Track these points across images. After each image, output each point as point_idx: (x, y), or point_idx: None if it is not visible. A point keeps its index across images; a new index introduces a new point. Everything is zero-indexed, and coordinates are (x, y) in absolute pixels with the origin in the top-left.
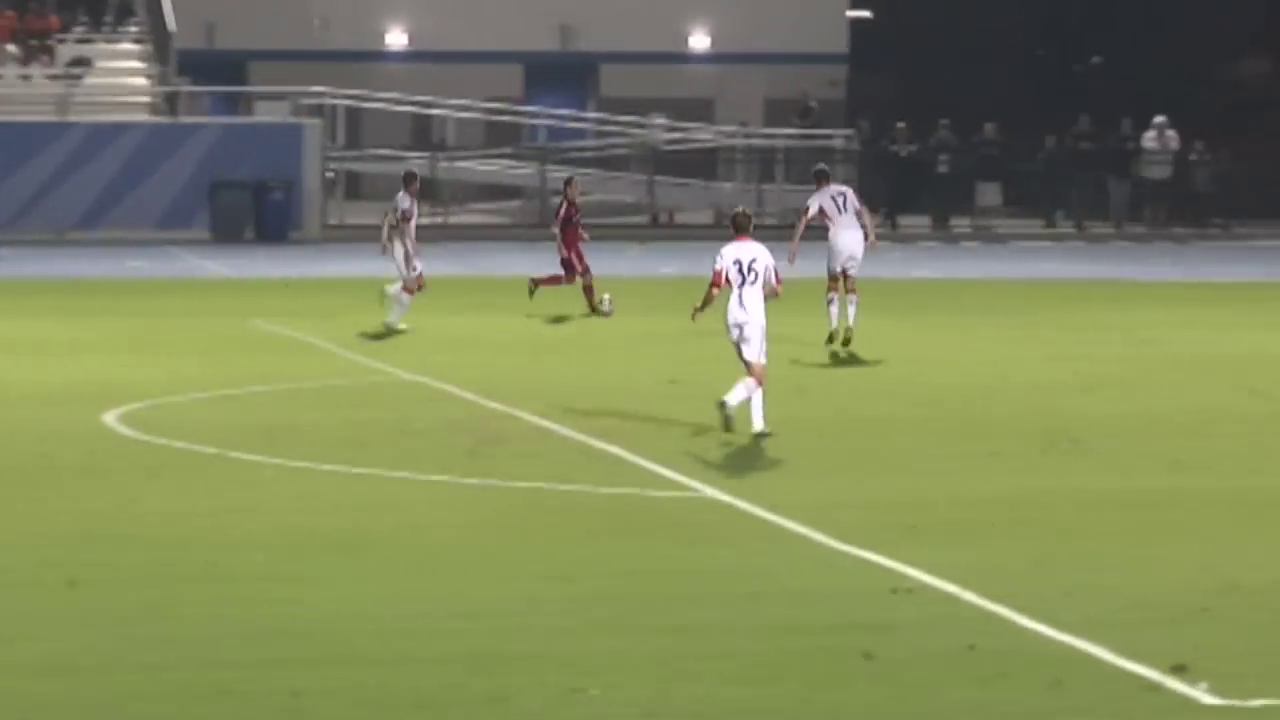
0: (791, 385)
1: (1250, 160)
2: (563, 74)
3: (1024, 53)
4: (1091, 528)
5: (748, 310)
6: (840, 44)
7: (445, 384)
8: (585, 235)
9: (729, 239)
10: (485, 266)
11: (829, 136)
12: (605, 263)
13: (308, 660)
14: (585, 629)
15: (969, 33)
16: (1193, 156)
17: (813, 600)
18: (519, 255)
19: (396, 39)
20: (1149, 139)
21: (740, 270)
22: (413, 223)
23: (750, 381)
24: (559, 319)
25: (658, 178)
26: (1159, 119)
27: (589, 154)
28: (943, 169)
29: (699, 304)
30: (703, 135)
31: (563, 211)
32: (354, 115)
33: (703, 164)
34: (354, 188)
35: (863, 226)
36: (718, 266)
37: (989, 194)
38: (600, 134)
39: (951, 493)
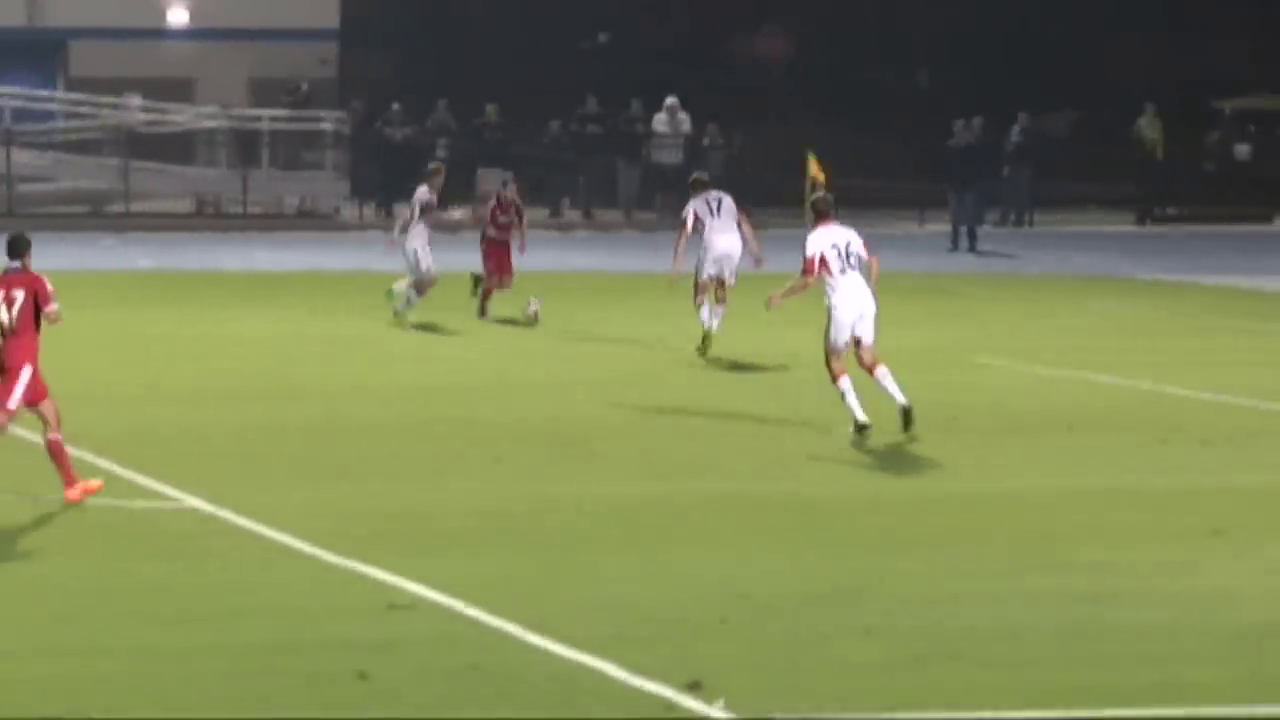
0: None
1: (765, 144)
2: (29, 51)
3: (528, 29)
4: (602, 537)
5: (861, 296)
6: (331, 19)
7: None
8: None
9: (813, 225)
10: None
11: (319, 118)
12: (71, 256)
13: None
14: (50, 652)
15: (469, 7)
16: (705, 141)
17: (303, 617)
18: None
19: None
20: (660, 122)
21: (840, 255)
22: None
23: (881, 369)
24: None
25: (133, 163)
26: (670, 100)
27: (58, 137)
28: (441, 154)
29: (782, 292)
30: (180, 117)
31: (492, 210)
32: None
33: (181, 148)
34: None
35: (741, 234)
36: (809, 254)
37: (490, 181)
38: (71, 115)
39: (453, 501)
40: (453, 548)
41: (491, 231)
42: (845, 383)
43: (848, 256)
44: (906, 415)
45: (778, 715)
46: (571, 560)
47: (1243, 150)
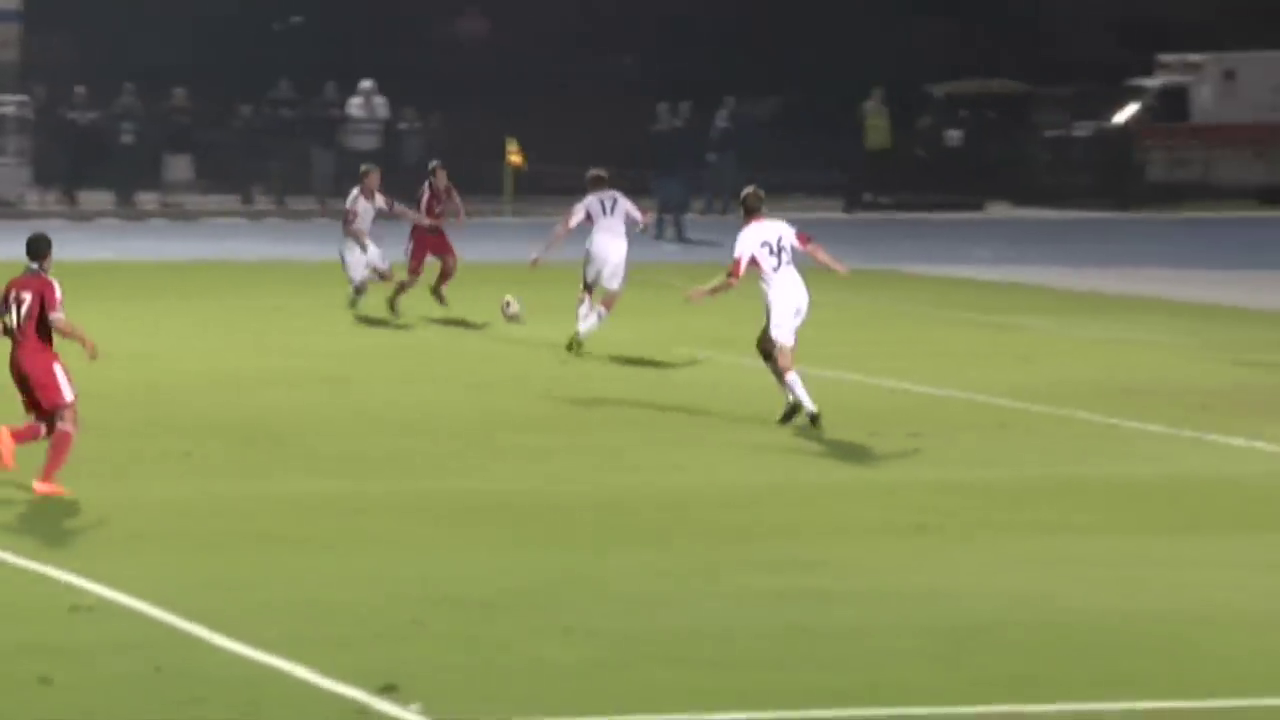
0: None
1: (464, 129)
2: None
3: (220, 9)
4: (295, 536)
5: (797, 291)
6: (12, 0)
7: None
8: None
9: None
10: None
11: (0, 103)
12: None
13: None
14: None
15: None
16: (403, 125)
17: None
18: None
19: None
20: (355, 106)
21: (772, 251)
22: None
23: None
24: None
25: None
26: (365, 84)
27: None
28: (127, 139)
29: (708, 288)
30: None
31: (426, 200)
32: None
33: None
34: None
35: (626, 236)
36: (738, 254)
37: (179, 167)
38: None
39: (139, 499)
40: (139, 547)
41: (427, 222)
42: (793, 376)
43: (779, 252)
44: (790, 414)
45: None
46: (261, 560)
47: (954, 136)
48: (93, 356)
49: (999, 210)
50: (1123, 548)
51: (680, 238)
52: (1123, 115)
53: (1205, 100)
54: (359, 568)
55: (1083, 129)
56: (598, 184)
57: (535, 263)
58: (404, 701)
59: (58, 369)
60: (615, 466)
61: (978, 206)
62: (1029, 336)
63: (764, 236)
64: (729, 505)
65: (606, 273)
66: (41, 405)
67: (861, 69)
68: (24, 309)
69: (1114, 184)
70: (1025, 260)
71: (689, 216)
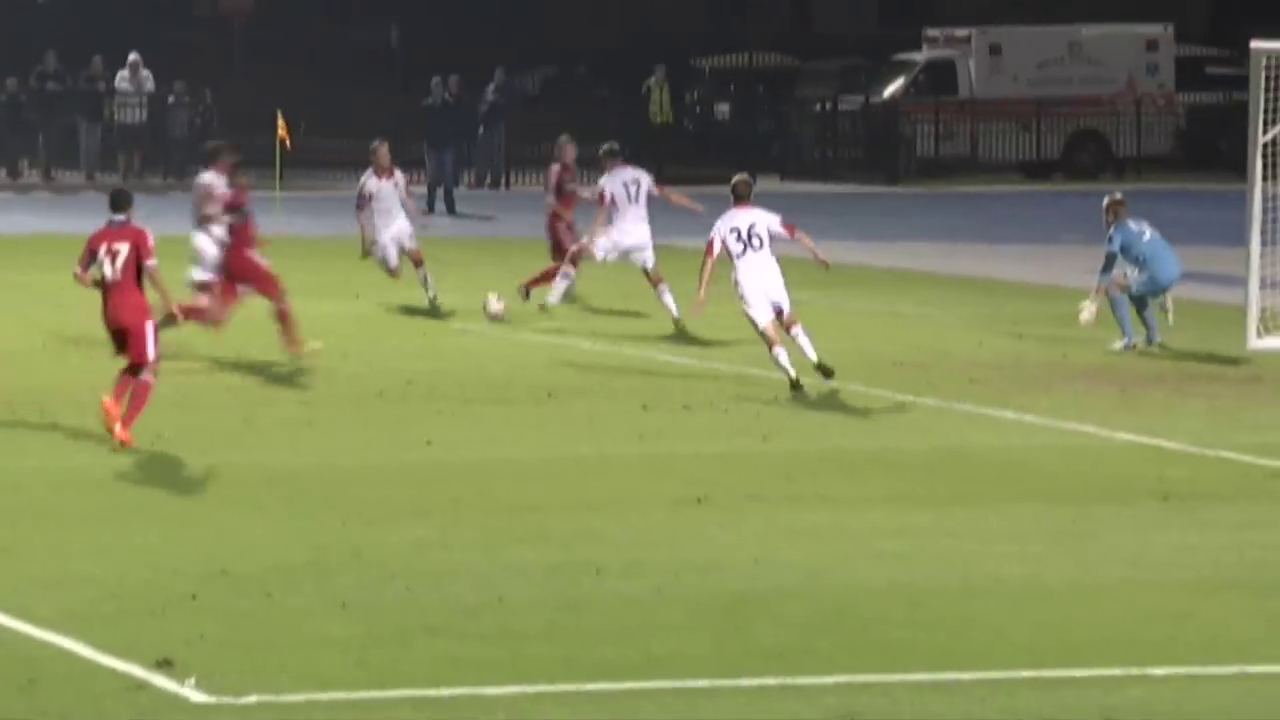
0: None
1: (233, 103)
2: None
3: None
4: (68, 511)
5: (763, 273)
6: None
7: None
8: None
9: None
10: None
11: None
12: None
13: None
14: None
15: None
16: (171, 99)
17: None
18: None
19: None
20: (122, 79)
21: (740, 238)
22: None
23: (797, 328)
24: None
25: None
26: (133, 57)
27: None
28: None
29: (699, 287)
30: None
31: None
32: None
33: None
34: None
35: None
36: (710, 239)
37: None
38: None
39: None
40: None
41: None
42: (778, 350)
43: (749, 239)
44: (823, 371)
45: (252, 695)
46: (36, 535)
47: (722, 110)
48: (178, 315)
49: (768, 184)
50: (894, 520)
51: (450, 211)
52: (890, 90)
53: (972, 75)
54: (134, 543)
55: (850, 103)
56: (613, 157)
57: (589, 247)
58: (180, 676)
59: (150, 326)
60: (394, 440)
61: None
62: (799, 310)
63: (735, 223)
64: (507, 479)
65: (645, 259)
66: (130, 356)
67: (629, 42)
68: (120, 260)
69: (881, 158)
70: None
71: (459, 189)
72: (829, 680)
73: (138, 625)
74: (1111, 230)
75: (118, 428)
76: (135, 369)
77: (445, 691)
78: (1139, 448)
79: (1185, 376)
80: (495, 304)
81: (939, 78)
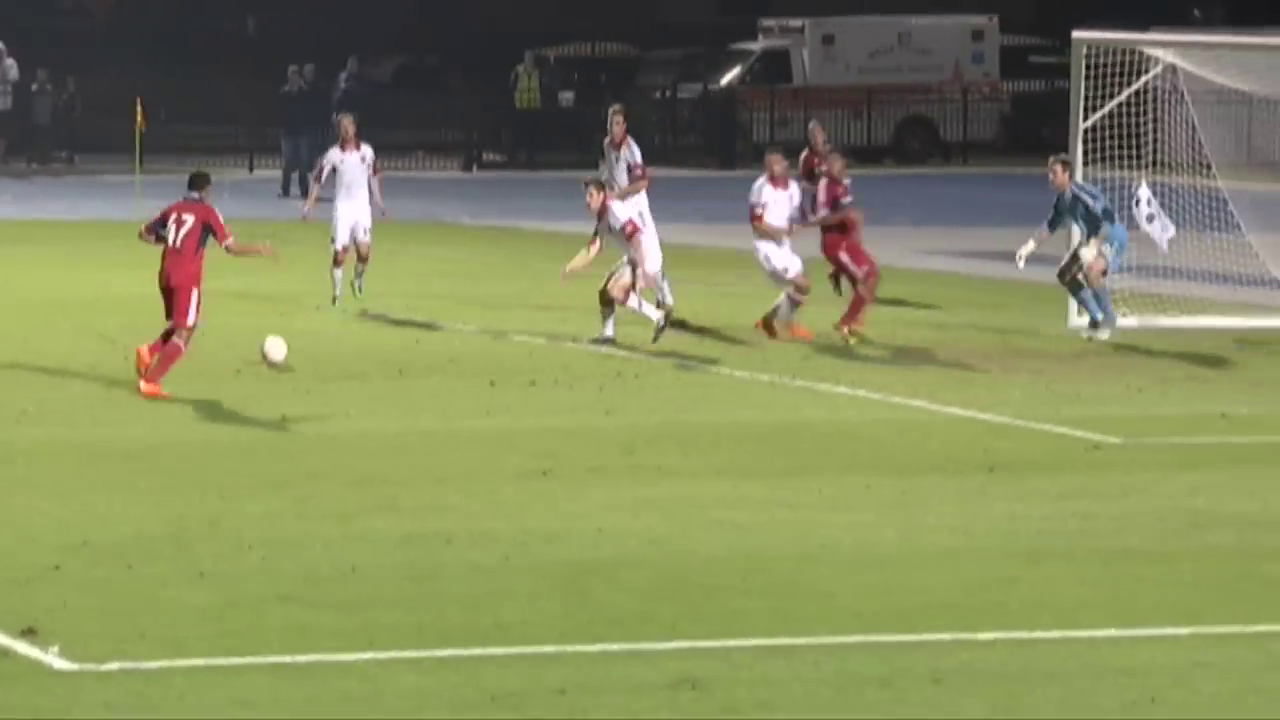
0: None
1: (96, 90)
2: None
3: None
4: None
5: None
6: None
7: None
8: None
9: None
10: None
11: None
12: None
13: None
14: None
15: None
16: (34, 87)
17: None
18: None
19: None
20: None
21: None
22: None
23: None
24: None
25: None
26: None
27: None
28: None
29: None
30: None
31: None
32: None
33: None
34: None
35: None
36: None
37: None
38: None
39: None
40: None
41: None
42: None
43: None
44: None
45: (114, 662)
46: None
47: (566, 97)
48: (273, 256)
49: None
50: (733, 491)
51: (305, 195)
52: (727, 78)
53: (805, 64)
54: None
55: (689, 91)
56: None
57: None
58: (43, 644)
59: (195, 293)
60: (250, 415)
61: (593, 165)
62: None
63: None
64: (356, 452)
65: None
66: (172, 317)
67: (478, 31)
68: (184, 230)
69: (719, 144)
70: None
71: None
72: (670, 645)
73: (1, 595)
74: (1078, 189)
75: (143, 385)
76: (172, 332)
77: (300, 658)
78: (966, 421)
79: (1011, 353)
80: (275, 353)
81: (774, 66)
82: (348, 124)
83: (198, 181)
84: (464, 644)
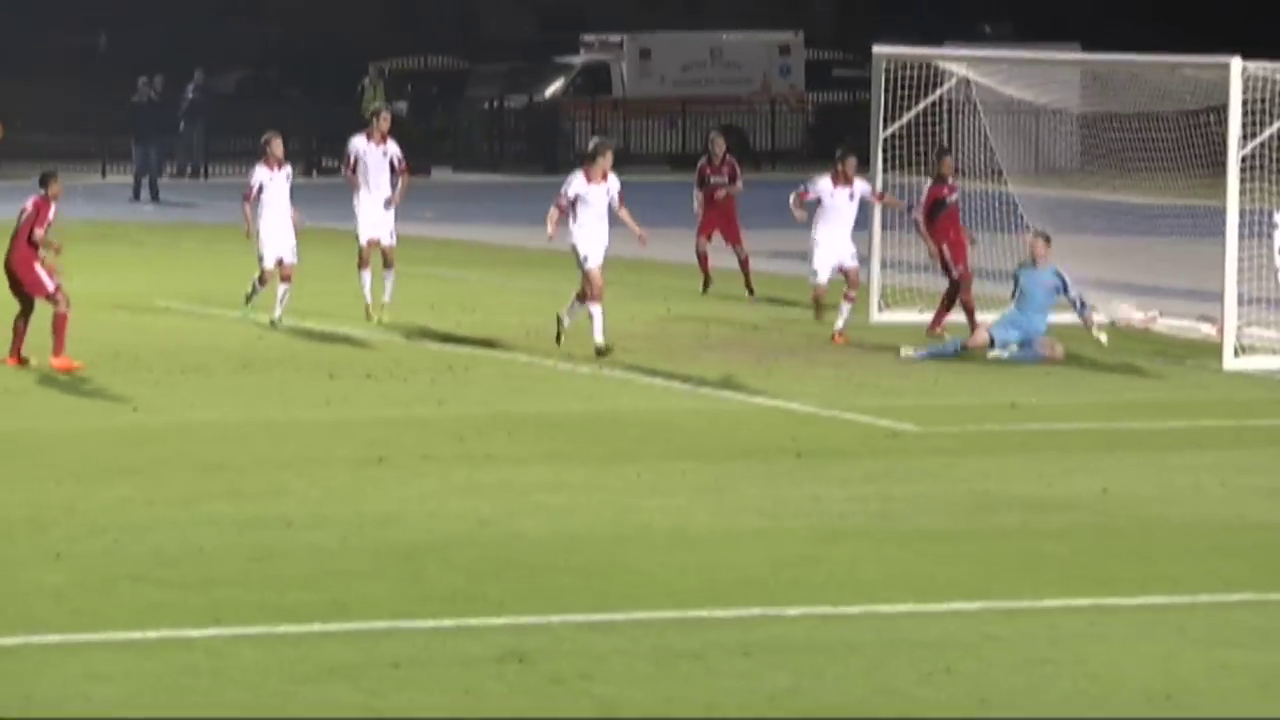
0: None
1: None
2: None
3: None
4: None
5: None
6: None
7: None
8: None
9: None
10: None
11: None
12: None
13: None
14: None
15: None
16: None
17: None
18: None
19: None
20: None
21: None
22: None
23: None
24: None
25: None
26: None
27: None
28: None
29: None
30: None
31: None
32: None
33: None
34: None
35: None
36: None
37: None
38: None
39: None
40: None
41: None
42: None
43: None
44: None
45: None
46: None
47: (400, 107)
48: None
49: (442, 175)
50: (554, 475)
51: (155, 199)
52: (551, 90)
53: (624, 76)
54: None
55: (515, 102)
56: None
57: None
58: None
59: (36, 265)
60: (102, 406)
61: (424, 171)
62: (470, 288)
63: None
64: (200, 440)
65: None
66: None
67: (312, 45)
68: (24, 217)
69: (543, 151)
70: (464, 219)
71: (162, 179)
72: (498, 621)
73: None
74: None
75: (53, 361)
76: (30, 312)
77: (150, 634)
78: (774, 410)
79: (814, 347)
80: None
81: (595, 79)
82: (276, 143)
83: (43, 179)
84: (304, 620)
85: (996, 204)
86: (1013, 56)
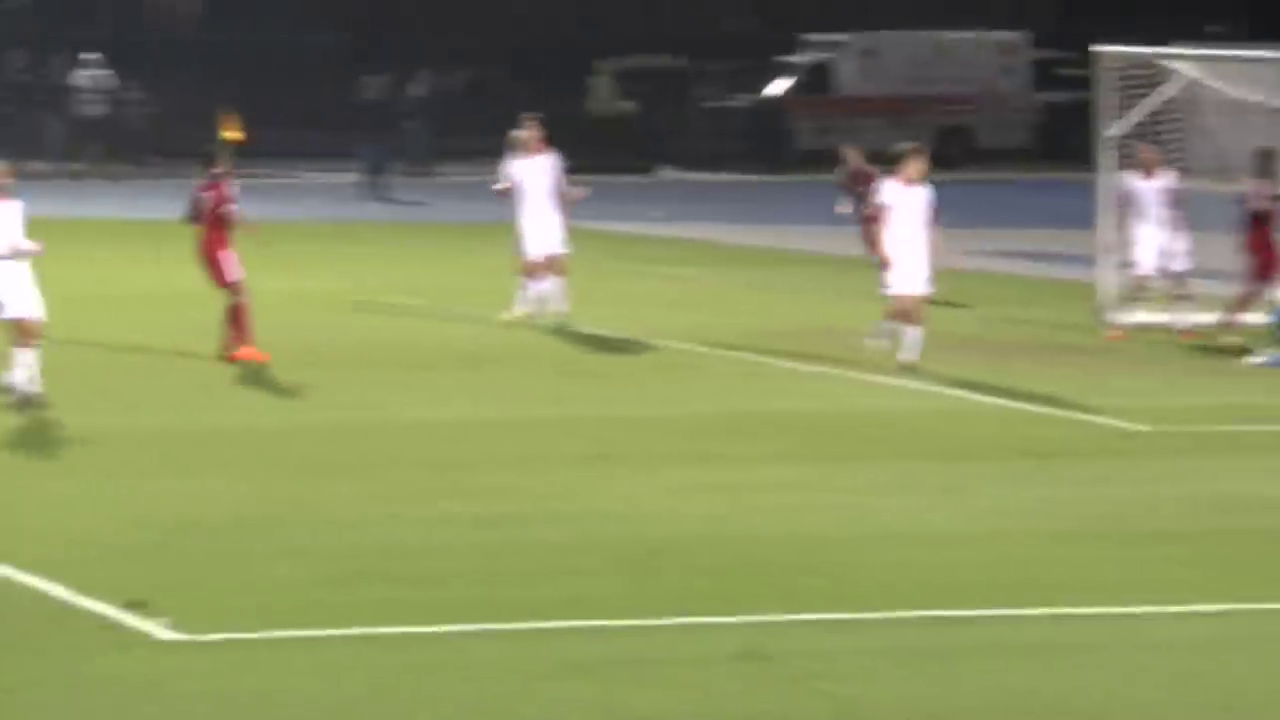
0: None
1: (185, 100)
2: None
3: None
4: (36, 467)
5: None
6: None
7: None
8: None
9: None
10: None
11: None
12: None
13: None
14: None
15: None
16: (130, 95)
17: None
18: None
19: None
20: (82, 77)
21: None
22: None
23: None
24: None
25: None
26: (91, 56)
27: None
28: None
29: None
30: None
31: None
32: None
33: None
34: None
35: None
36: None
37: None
38: None
39: None
40: None
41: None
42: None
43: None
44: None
45: (217, 633)
46: (8, 488)
47: (626, 106)
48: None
49: (667, 174)
50: (790, 476)
51: (383, 197)
52: (774, 89)
53: (847, 75)
54: (101, 495)
55: (739, 101)
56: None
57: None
58: (153, 616)
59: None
60: (331, 401)
61: (648, 170)
62: (696, 286)
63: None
64: (431, 438)
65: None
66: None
67: (544, 43)
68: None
69: (766, 151)
70: (690, 218)
71: (391, 178)
72: (738, 620)
73: (112, 570)
74: None
75: (242, 352)
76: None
77: (388, 629)
78: (1007, 410)
79: (1044, 347)
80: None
81: (818, 78)
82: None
83: (206, 159)
84: (541, 617)
85: (1223, 206)
86: (1237, 55)
